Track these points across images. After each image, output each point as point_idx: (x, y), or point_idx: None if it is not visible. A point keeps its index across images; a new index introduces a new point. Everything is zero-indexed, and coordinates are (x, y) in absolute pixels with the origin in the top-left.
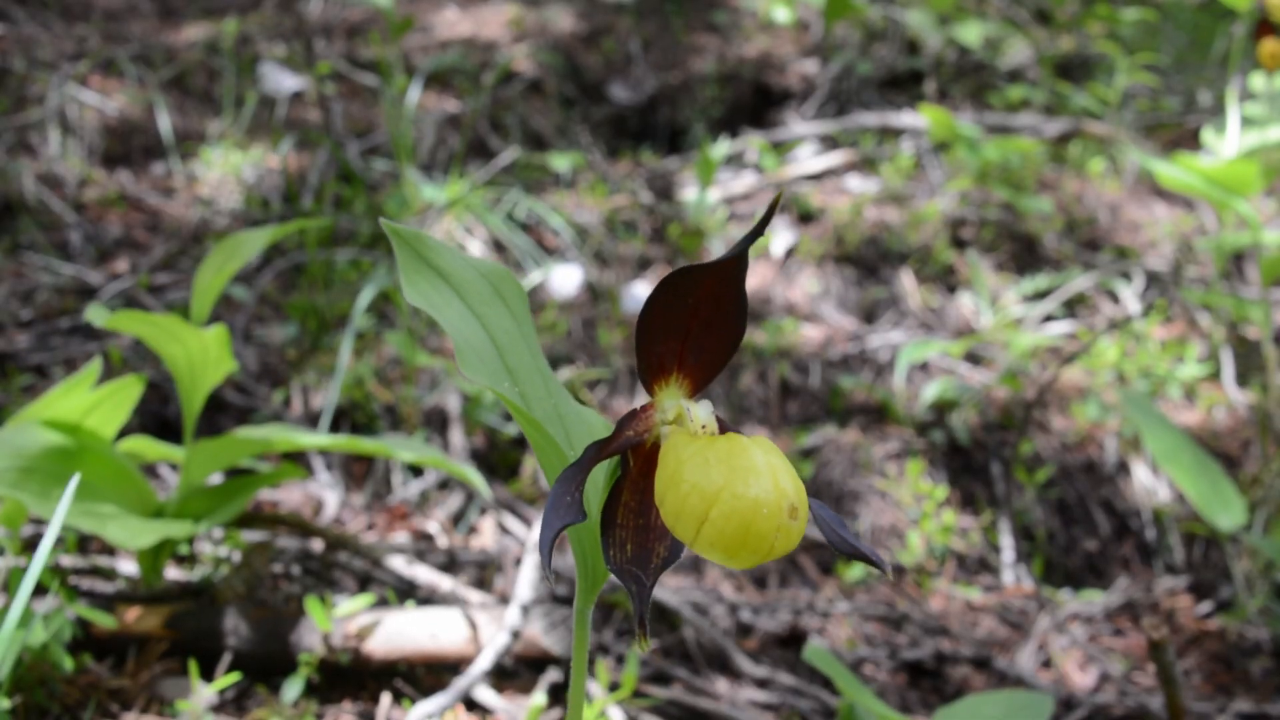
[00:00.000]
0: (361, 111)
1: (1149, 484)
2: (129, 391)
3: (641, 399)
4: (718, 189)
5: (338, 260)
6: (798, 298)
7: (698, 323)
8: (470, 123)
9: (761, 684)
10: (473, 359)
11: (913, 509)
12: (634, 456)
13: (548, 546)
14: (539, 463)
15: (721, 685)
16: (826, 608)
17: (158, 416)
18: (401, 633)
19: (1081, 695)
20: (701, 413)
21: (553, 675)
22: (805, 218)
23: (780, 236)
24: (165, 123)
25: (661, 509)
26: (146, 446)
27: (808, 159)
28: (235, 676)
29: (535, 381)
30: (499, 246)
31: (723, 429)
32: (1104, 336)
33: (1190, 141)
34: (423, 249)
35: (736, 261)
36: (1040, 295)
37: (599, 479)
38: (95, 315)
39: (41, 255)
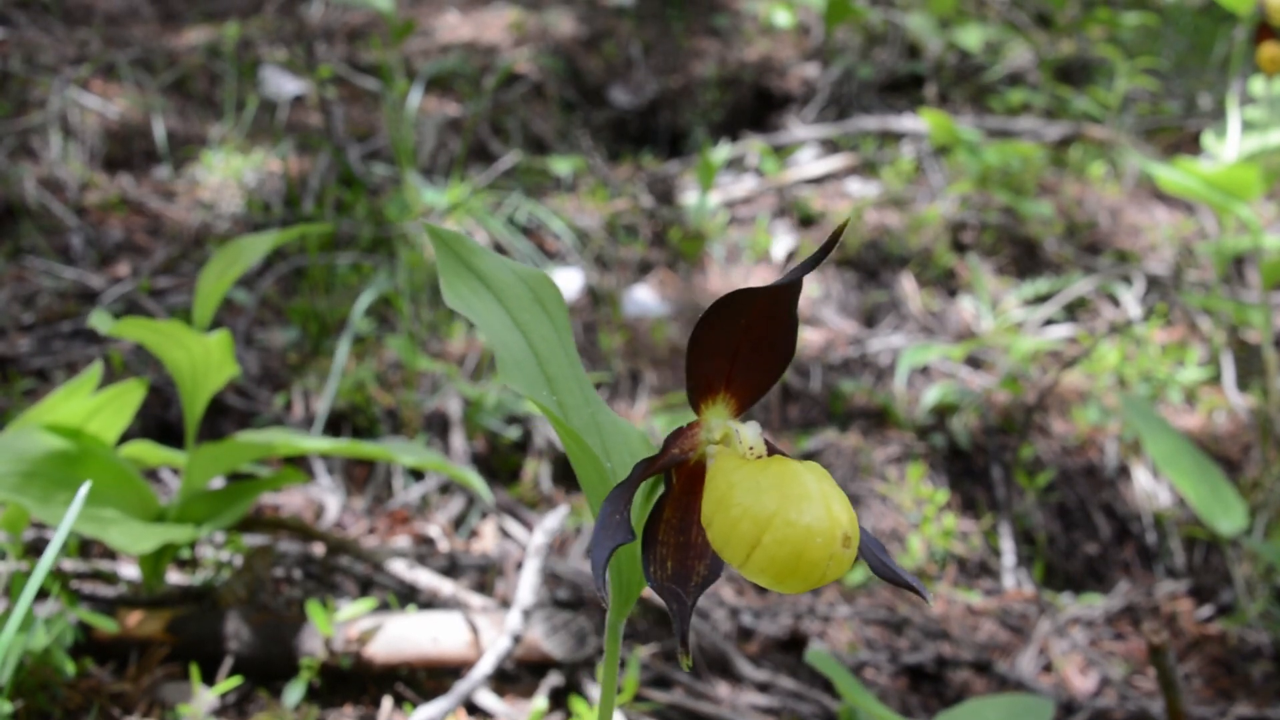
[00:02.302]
0: (362, 115)
1: (1149, 488)
2: (130, 396)
3: (643, 403)
4: (718, 193)
5: (339, 264)
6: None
7: (748, 343)
8: (471, 127)
9: (762, 688)
10: (512, 367)
11: (913, 513)
12: (677, 474)
13: (601, 568)
14: (576, 473)
15: (722, 689)
16: (827, 612)
17: (159, 421)
18: (403, 637)
19: (1082, 699)
20: (750, 434)
21: (554, 680)
22: (806, 222)
23: (781, 240)
24: (166, 127)
25: (709, 531)
26: (148, 451)
27: (808, 163)
28: (237, 681)
29: (573, 390)
30: (500, 250)
31: (770, 450)
32: (1104, 340)
33: (1191, 145)
34: (463, 251)
35: (791, 286)
36: (1041, 299)
37: (639, 495)
38: (99, 322)
39: (43, 259)
